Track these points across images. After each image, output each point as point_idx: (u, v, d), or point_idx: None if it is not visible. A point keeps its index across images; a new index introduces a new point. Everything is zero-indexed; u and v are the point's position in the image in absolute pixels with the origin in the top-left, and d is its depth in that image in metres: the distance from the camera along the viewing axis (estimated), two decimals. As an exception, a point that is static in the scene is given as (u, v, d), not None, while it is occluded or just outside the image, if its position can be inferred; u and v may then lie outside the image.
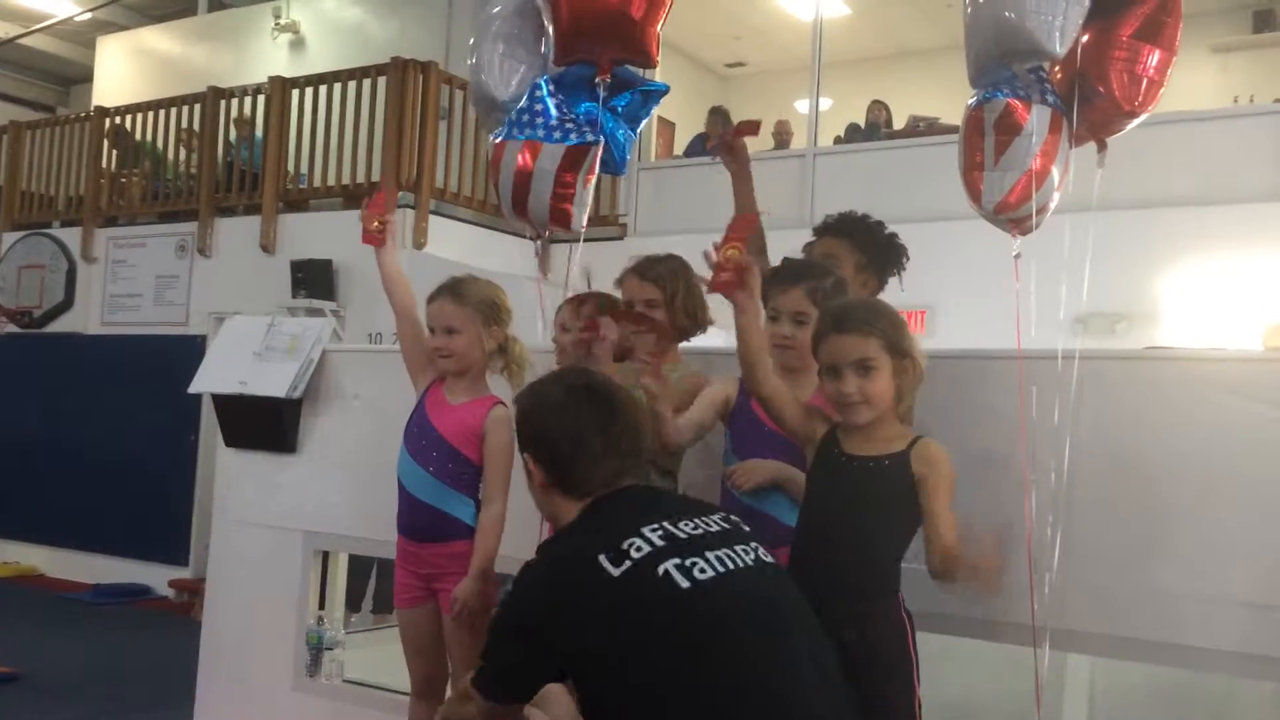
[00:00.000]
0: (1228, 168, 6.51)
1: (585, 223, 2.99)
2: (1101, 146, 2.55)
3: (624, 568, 1.83)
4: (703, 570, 1.84)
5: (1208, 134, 6.65)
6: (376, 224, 3.09)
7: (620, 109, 3.10)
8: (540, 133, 2.94)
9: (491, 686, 1.96)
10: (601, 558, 1.84)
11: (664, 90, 3.21)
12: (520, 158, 2.94)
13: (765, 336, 2.39)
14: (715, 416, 2.65)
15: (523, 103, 3.01)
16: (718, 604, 1.83)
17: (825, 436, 2.31)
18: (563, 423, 2.02)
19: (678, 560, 1.85)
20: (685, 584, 1.82)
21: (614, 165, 3.13)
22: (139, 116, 9.13)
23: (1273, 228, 6.19)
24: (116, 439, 8.46)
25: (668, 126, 10.08)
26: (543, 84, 3.02)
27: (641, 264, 2.91)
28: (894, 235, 3.18)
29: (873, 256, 3.11)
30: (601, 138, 2.96)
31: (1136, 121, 2.47)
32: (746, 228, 2.35)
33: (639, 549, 1.85)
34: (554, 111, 2.97)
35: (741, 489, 2.55)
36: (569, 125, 2.96)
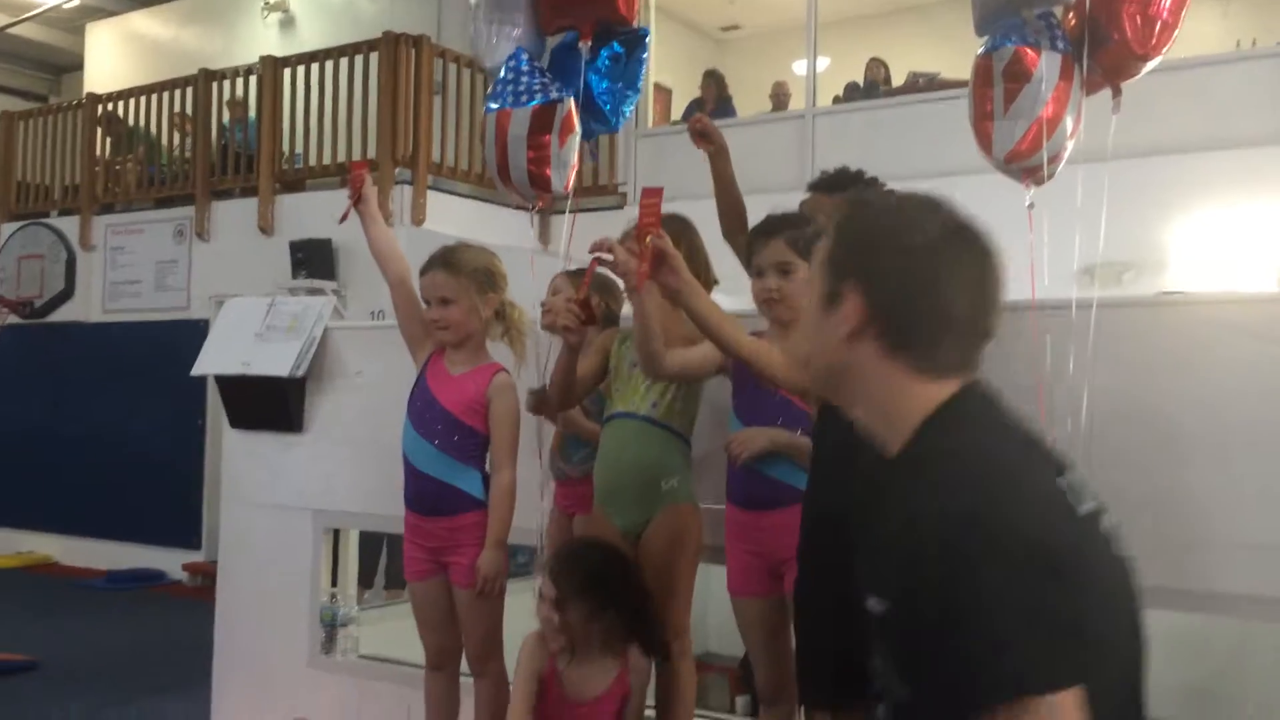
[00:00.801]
0: (1231, 112, 6.43)
1: (569, 185, 2.95)
2: (1116, 92, 2.51)
3: (1084, 507, 1.22)
4: (1118, 536, 1.27)
5: (1211, 79, 6.55)
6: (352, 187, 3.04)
7: (606, 66, 3.07)
8: (510, 100, 2.93)
9: (1039, 672, 1.07)
10: (1061, 481, 1.23)
11: (644, 35, 3.15)
12: (497, 128, 2.93)
13: (712, 304, 2.30)
14: (709, 365, 2.60)
15: (500, 73, 2.99)
16: (1132, 587, 1.28)
17: None
18: (935, 267, 1.30)
19: (1111, 520, 1.27)
20: (1121, 554, 1.26)
21: (605, 123, 3.08)
22: (131, 102, 9.08)
23: (1277, 172, 6.13)
24: (124, 425, 8.47)
25: (664, 93, 9.97)
26: (518, 53, 3.00)
27: None
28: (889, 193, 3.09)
29: None
30: (568, 94, 2.92)
31: (1150, 65, 2.43)
32: (655, 203, 2.19)
33: (1081, 486, 1.25)
34: (525, 77, 2.95)
35: (739, 459, 2.53)
36: (536, 87, 2.94)
